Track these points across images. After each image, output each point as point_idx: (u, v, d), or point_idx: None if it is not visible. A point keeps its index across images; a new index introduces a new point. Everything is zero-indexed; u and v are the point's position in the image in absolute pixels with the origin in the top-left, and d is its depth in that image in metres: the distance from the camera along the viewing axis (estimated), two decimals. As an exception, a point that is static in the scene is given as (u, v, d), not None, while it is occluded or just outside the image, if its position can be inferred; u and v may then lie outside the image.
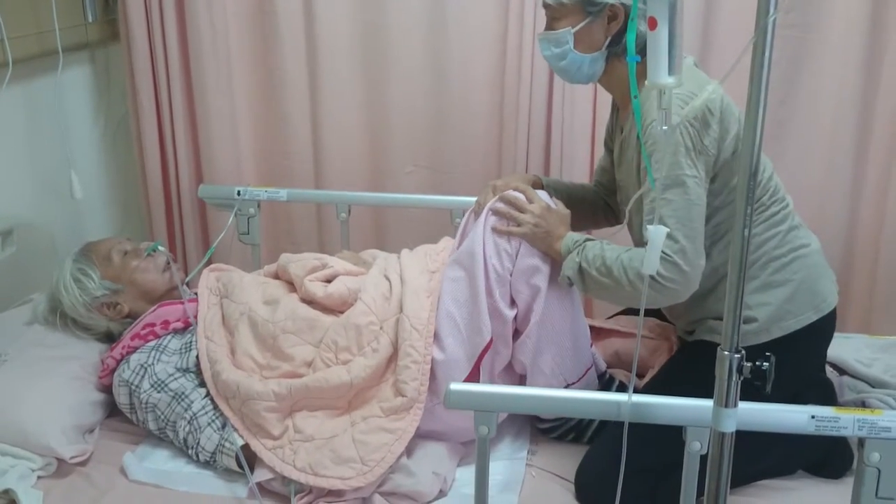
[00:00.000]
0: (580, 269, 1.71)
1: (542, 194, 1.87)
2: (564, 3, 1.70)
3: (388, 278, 1.97)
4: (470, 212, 1.98)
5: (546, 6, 1.75)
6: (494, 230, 1.81)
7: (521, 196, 1.83)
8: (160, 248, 2.15)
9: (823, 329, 1.79)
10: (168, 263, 2.13)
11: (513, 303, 1.82)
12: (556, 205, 1.86)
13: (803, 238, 1.78)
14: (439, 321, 1.83)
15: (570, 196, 2.01)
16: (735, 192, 1.61)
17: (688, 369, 1.76)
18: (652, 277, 1.57)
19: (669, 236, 1.57)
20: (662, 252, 1.56)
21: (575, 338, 1.85)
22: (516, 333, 1.85)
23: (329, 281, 2.01)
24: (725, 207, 1.69)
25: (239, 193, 2.47)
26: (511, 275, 1.80)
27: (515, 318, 1.83)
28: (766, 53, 1.04)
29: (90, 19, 2.61)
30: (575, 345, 1.85)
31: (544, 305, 1.79)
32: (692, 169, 1.59)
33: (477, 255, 1.81)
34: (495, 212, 1.83)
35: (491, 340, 1.80)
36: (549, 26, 1.76)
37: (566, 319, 1.83)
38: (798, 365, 1.76)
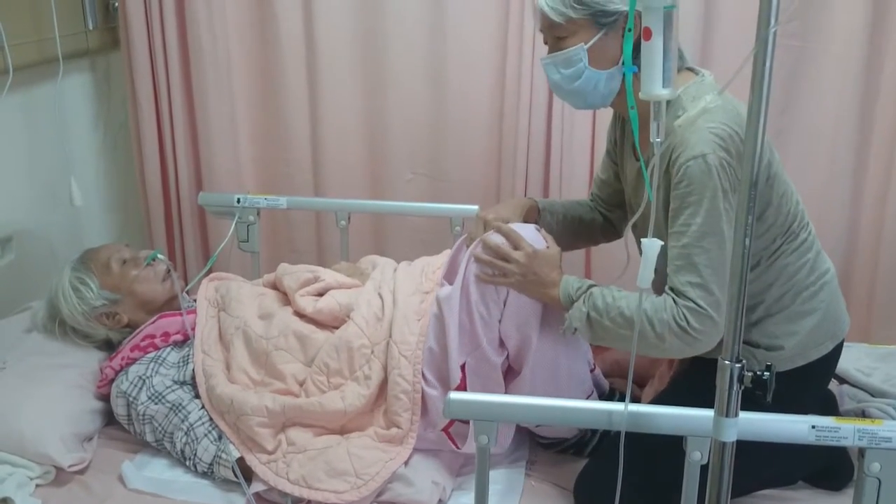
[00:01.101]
0: (588, 319, 1.62)
1: (529, 232, 1.75)
2: (573, 17, 1.57)
3: (381, 296, 1.95)
4: (461, 240, 1.92)
5: (550, 27, 1.62)
6: (479, 279, 1.73)
7: (503, 242, 1.72)
8: (160, 256, 2.14)
9: (836, 355, 1.76)
10: (168, 272, 2.13)
11: (502, 345, 1.77)
12: (546, 240, 1.76)
13: (825, 262, 1.74)
14: (425, 353, 1.80)
15: (566, 216, 1.97)
16: (768, 224, 1.61)
17: (694, 382, 1.74)
18: (684, 331, 1.52)
19: (704, 288, 1.51)
20: (697, 305, 1.51)
21: (572, 370, 1.82)
22: (510, 370, 1.82)
23: (321, 294, 2.01)
24: (757, 238, 1.62)
25: (239, 201, 2.47)
26: (500, 322, 1.75)
27: (507, 357, 1.79)
28: (767, 64, 1.04)
29: (90, 27, 2.61)
30: (571, 376, 1.82)
31: (537, 349, 1.74)
32: (729, 213, 1.51)
33: (453, 302, 1.75)
34: (478, 260, 1.74)
35: (461, 382, 1.75)
36: (556, 47, 1.63)
37: (561, 356, 1.78)
38: (815, 392, 1.76)
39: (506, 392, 1.80)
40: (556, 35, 1.63)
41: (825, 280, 1.71)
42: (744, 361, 1.15)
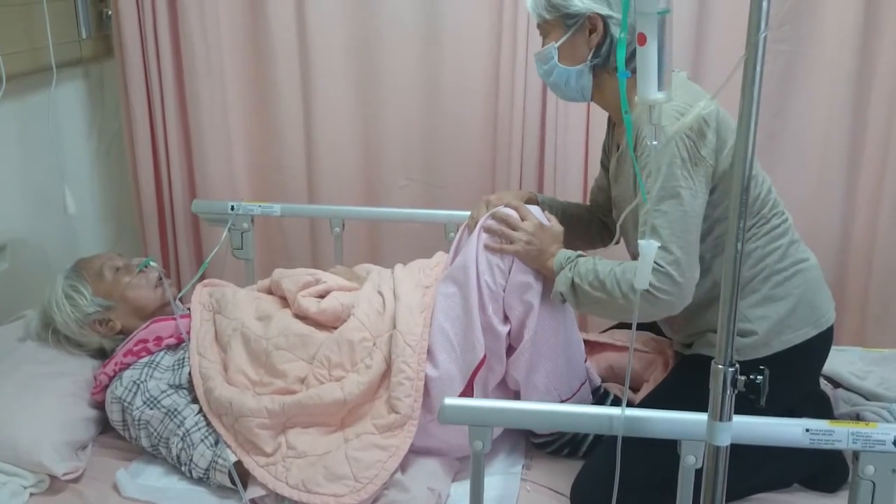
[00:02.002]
0: (572, 285, 1.70)
1: (536, 210, 1.86)
2: (547, 18, 1.73)
3: (381, 294, 1.97)
4: (464, 227, 1.98)
5: (536, 26, 1.79)
6: (487, 247, 1.81)
7: (513, 213, 1.83)
8: (152, 263, 2.14)
9: (821, 345, 1.79)
10: (160, 279, 2.13)
11: (506, 319, 1.82)
12: (550, 220, 1.85)
13: (803, 253, 1.78)
14: (433, 337, 1.83)
15: (564, 214, 2.01)
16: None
17: (686, 383, 1.75)
18: (646, 290, 1.57)
19: (663, 248, 1.56)
20: (656, 263, 1.56)
21: (568, 353, 1.85)
22: (510, 349, 1.84)
23: (322, 296, 2.01)
24: (726, 220, 1.66)
25: (232, 208, 2.47)
26: (504, 291, 1.80)
27: (509, 333, 1.82)
28: (758, 69, 1.04)
29: (84, 35, 2.62)
30: (568, 360, 1.85)
31: (537, 322, 1.79)
32: (688, 181, 1.58)
33: (470, 271, 1.81)
34: (487, 229, 1.83)
35: (484, 357, 1.80)
36: (542, 45, 1.79)
37: (559, 335, 1.83)
38: (795, 380, 1.76)
39: (507, 363, 1.84)
40: (540, 34, 1.79)
41: (800, 268, 1.75)
42: (737, 365, 1.15)
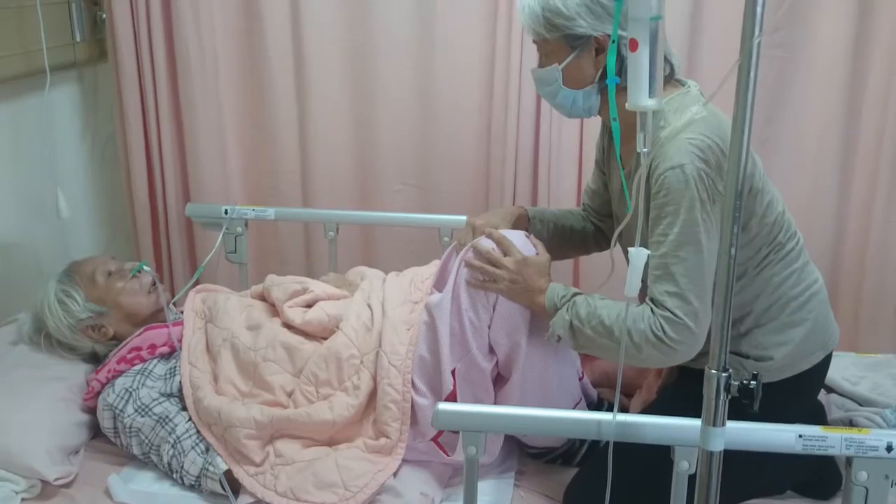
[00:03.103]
0: (571, 327, 1.63)
1: (519, 239, 1.77)
2: (548, 38, 1.62)
3: (370, 307, 1.95)
4: (451, 248, 1.92)
5: (534, 43, 1.68)
6: (469, 284, 1.75)
7: (494, 249, 1.74)
8: (145, 268, 2.13)
9: (825, 365, 1.77)
10: (154, 284, 2.12)
11: (491, 351, 1.78)
12: (537, 247, 1.78)
13: (813, 273, 1.74)
14: (415, 362, 1.80)
15: (557, 225, 1.97)
16: (752, 234, 1.62)
17: (685, 391, 1.74)
18: (661, 340, 1.52)
19: (681, 297, 1.51)
20: (673, 314, 1.51)
21: (561, 378, 1.82)
22: (500, 377, 1.82)
23: (309, 306, 2.00)
24: (741, 248, 1.62)
25: (226, 212, 2.46)
26: (489, 327, 1.75)
27: (496, 364, 1.79)
28: (752, 75, 1.04)
29: (78, 38, 2.61)
30: (560, 383, 1.82)
31: (525, 356, 1.74)
32: (707, 224, 1.51)
33: (444, 308, 1.75)
34: (469, 265, 1.75)
35: (453, 391, 1.75)
36: (540, 63, 1.69)
37: (549, 364, 1.78)
38: (802, 403, 1.76)
39: (495, 399, 1.80)
40: (540, 51, 1.68)
41: (813, 291, 1.72)
42: (731, 371, 1.15)
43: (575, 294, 1.66)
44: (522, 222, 1.94)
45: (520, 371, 1.75)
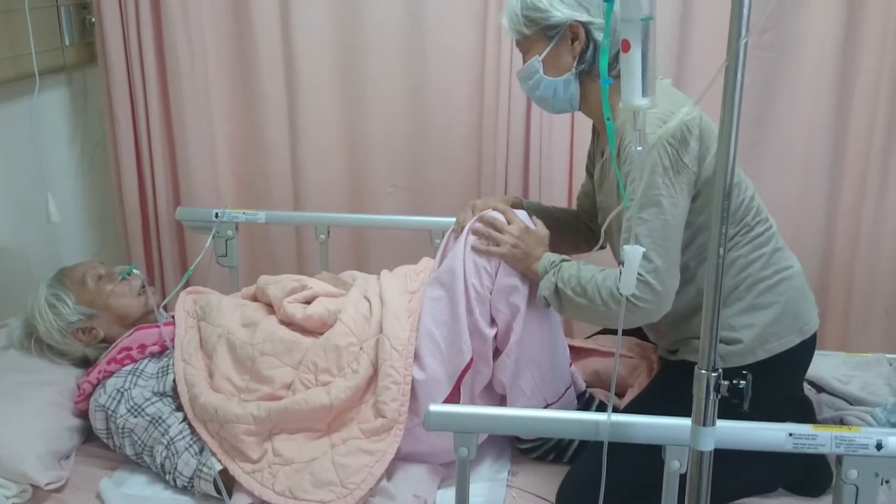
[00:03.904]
0: (556, 290, 1.71)
1: (522, 215, 1.87)
2: (527, 34, 1.71)
3: (367, 299, 1.97)
4: (450, 231, 1.98)
5: (516, 44, 1.78)
6: (474, 249, 1.82)
7: (500, 216, 1.84)
8: (135, 271, 2.13)
9: (805, 352, 1.80)
10: (143, 287, 2.12)
11: (493, 322, 1.83)
12: (536, 225, 1.86)
13: (787, 260, 1.79)
14: (420, 341, 1.83)
15: (550, 218, 2.00)
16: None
17: (671, 389, 1.76)
18: (625, 297, 1.57)
19: (644, 256, 1.56)
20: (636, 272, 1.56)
21: (554, 357, 1.85)
22: (496, 352, 1.85)
23: (308, 302, 2.01)
24: (707, 227, 1.69)
25: (217, 215, 2.46)
26: (491, 293, 1.81)
27: (495, 336, 1.83)
28: (738, 76, 1.05)
29: (67, 42, 2.60)
30: (554, 364, 1.85)
31: (524, 325, 1.79)
32: (669, 189, 1.59)
33: (457, 273, 1.81)
34: (475, 231, 1.83)
35: (471, 359, 1.80)
36: (523, 62, 1.77)
37: (545, 339, 1.83)
38: (780, 386, 1.77)
39: (493, 367, 1.84)
40: (521, 51, 1.77)
41: (785, 275, 1.76)
42: (720, 370, 1.15)
43: (563, 260, 1.75)
44: (518, 208, 1.97)
45: (517, 338, 1.79)
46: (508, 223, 1.82)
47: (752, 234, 1.73)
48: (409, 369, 1.80)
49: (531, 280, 1.80)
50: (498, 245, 1.80)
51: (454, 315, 1.81)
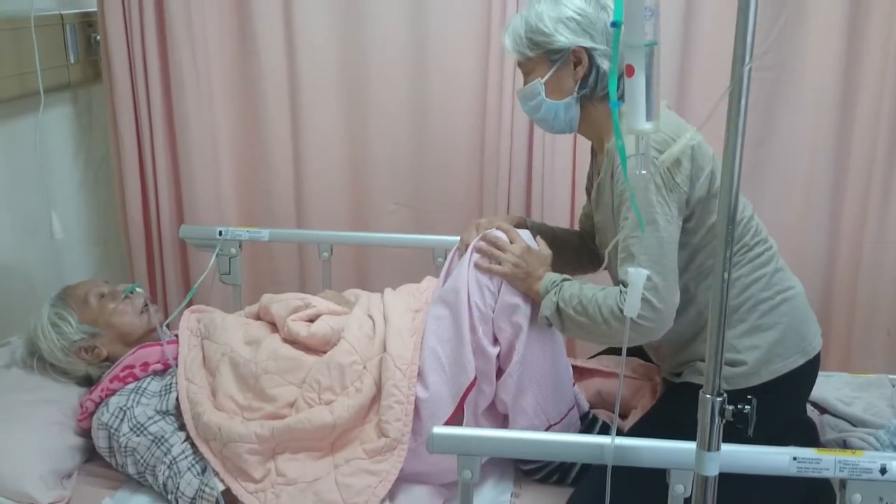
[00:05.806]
0: (557, 309, 1.71)
1: (525, 234, 1.88)
2: (530, 56, 1.74)
3: (371, 317, 1.97)
4: (454, 251, 1.99)
5: (518, 65, 1.80)
6: (476, 267, 1.82)
7: (502, 235, 1.85)
8: (138, 289, 2.13)
9: (809, 372, 1.79)
10: (146, 305, 2.12)
11: (496, 340, 1.83)
12: (539, 245, 1.87)
13: (788, 280, 1.79)
14: (423, 359, 1.83)
15: (554, 239, 2.01)
16: (715, 234, 1.65)
17: (675, 411, 1.75)
18: (624, 315, 1.57)
19: None
20: None
21: (557, 377, 1.85)
22: (499, 372, 1.84)
23: (312, 321, 2.01)
24: (707, 246, 1.70)
25: (220, 234, 2.47)
26: (493, 312, 1.81)
27: (498, 355, 1.83)
28: (743, 101, 1.05)
29: (72, 60, 2.61)
30: (557, 384, 1.85)
31: (526, 344, 1.79)
32: (663, 207, 1.60)
33: (461, 292, 1.82)
34: (478, 250, 1.84)
35: (475, 378, 1.80)
36: (525, 83, 1.80)
37: (548, 358, 1.83)
38: (784, 408, 1.77)
39: (496, 386, 1.84)
40: (523, 72, 1.81)
41: (787, 296, 1.76)
42: (725, 395, 1.15)
43: (564, 279, 1.76)
44: (521, 228, 1.98)
45: (520, 357, 1.79)
46: (511, 242, 1.84)
47: (751, 255, 1.74)
48: (412, 389, 1.80)
49: (533, 300, 1.80)
50: (500, 264, 1.81)
51: (458, 334, 1.81)
